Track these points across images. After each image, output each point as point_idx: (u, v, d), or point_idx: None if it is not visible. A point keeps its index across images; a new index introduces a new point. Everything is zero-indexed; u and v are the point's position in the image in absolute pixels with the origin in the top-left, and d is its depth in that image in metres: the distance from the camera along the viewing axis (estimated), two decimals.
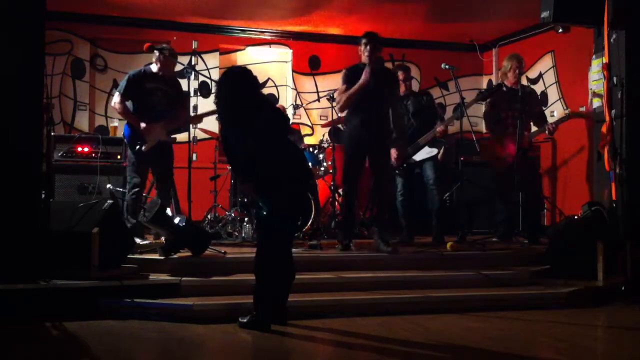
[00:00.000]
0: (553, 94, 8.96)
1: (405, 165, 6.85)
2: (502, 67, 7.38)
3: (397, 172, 6.94)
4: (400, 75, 7.03)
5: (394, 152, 6.84)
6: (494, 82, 9.70)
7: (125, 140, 6.33)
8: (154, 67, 6.37)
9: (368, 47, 6.07)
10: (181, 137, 7.21)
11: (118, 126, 7.73)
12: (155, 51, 6.33)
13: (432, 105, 7.24)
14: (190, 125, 6.86)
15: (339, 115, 7.04)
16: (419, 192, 7.03)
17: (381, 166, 6.17)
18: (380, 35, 6.23)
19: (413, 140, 6.89)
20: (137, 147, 6.17)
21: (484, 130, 7.58)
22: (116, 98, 6.30)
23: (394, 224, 7.81)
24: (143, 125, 6.17)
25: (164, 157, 6.37)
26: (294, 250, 5.84)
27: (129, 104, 6.30)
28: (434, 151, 6.95)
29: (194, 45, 7.53)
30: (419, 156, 6.91)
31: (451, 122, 7.29)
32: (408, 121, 6.95)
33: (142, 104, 6.28)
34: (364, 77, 5.97)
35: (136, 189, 6.17)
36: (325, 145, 7.80)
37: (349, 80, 6.09)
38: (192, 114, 6.89)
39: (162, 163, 6.37)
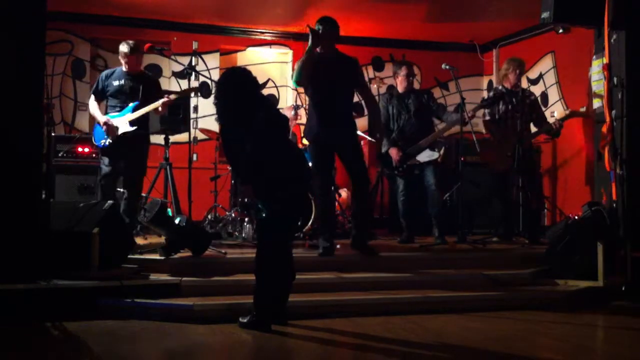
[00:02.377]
0: (553, 95, 8.97)
1: (405, 166, 6.84)
2: (502, 69, 7.39)
3: (396, 172, 6.93)
4: (403, 70, 6.97)
5: (394, 153, 6.81)
6: (494, 83, 9.70)
7: (93, 138, 6.53)
8: (124, 66, 6.54)
9: (321, 37, 5.84)
10: (181, 137, 7.22)
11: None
12: (121, 48, 6.51)
13: (434, 104, 7.20)
14: (191, 126, 6.86)
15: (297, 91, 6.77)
16: (420, 193, 7.02)
17: (352, 161, 5.94)
18: (337, 23, 6.06)
19: (414, 140, 6.88)
20: (103, 141, 6.39)
21: (484, 131, 7.57)
22: (90, 98, 6.63)
23: (394, 224, 7.83)
24: (103, 120, 6.39)
25: (130, 151, 6.46)
26: (294, 250, 5.83)
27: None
28: (435, 155, 6.88)
29: (195, 45, 7.54)
30: (419, 158, 6.87)
31: (478, 110, 7.15)
32: (409, 119, 6.91)
33: (110, 100, 6.54)
34: (310, 44, 5.77)
35: (105, 177, 6.38)
36: None
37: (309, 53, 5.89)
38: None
39: (129, 157, 6.47)
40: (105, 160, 6.42)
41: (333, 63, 5.88)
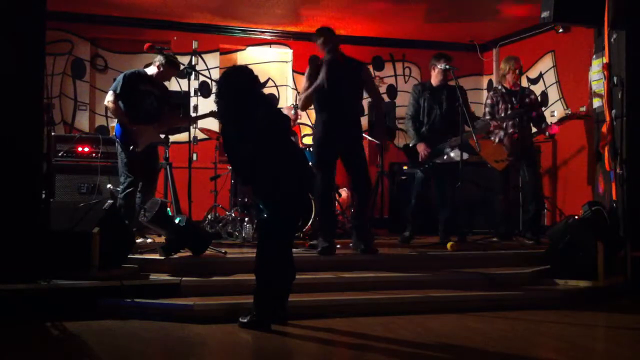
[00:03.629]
0: (553, 94, 8.97)
1: (431, 163, 6.74)
2: (500, 69, 7.39)
3: (421, 168, 6.82)
4: (441, 63, 6.77)
5: (421, 148, 6.74)
6: (494, 83, 9.70)
7: (118, 139, 6.32)
8: (150, 71, 6.38)
9: (324, 46, 5.89)
10: (181, 137, 7.21)
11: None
12: (161, 58, 6.34)
13: (465, 102, 7.14)
14: (191, 126, 6.86)
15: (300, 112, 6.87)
16: (430, 193, 6.98)
17: (354, 164, 6.00)
18: (335, 32, 6.08)
19: (444, 136, 6.77)
20: (131, 147, 6.18)
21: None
22: (110, 97, 6.29)
23: (394, 224, 7.78)
24: (135, 127, 6.18)
25: (151, 158, 6.40)
26: (294, 250, 5.81)
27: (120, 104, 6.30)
28: (465, 156, 6.76)
29: (194, 45, 7.53)
30: (446, 157, 6.75)
31: (506, 120, 7.09)
32: (441, 115, 6.78)
33: (134, 105, 6.27)
34: (320, 77, 5.80)
35: (130, 189, 6.17)
36: None
37: (312, 77, 5.95)
38: (192, 114, 6.93)
39: (148, 164, 6.38)
40: (127, 167, 6.22)
41: (340, 68, 5.91)
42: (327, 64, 5.89)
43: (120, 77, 6.33)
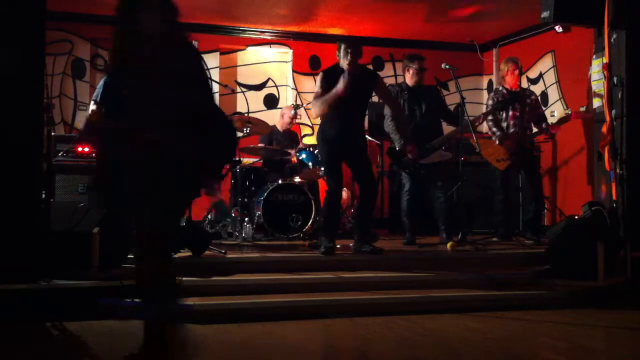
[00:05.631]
0: (553, 94, 8.97)
1: (417, 165, 6.74)
2: (500, 70, 7.40)
3: (407, 171, 6.84)
4: (415, 64, 6.80)
5: (409, 150, 6.73)
6: (494, 83, 9.71)
7: None
8: None
9: (349, 55, 5.86)
10: None
11: None
12: None
13: (442, 101, 7.14)
14: None
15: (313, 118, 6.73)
16: (425, 194, 6.98)
17: (358, 165, 6.04)
18: (361, 42, 6.08)
19: (426, 137, 6.76)
20: None
21: (485, 130, 7.57)
22: (93, 106, 6.26)
23: (394, 224, 7.78)
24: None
25: None
26: (293, 250, 5.80)
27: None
28: (448, 155, 6.79)
29: (194, 45, 7.52)
30: (432, 158, 6.76)
31: (488, 116, 7.13)
32: (422, 116, 6.79)
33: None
34: (341, 85, 5.69)
35: None
36: None
37: (327, 84, 5.87)
38: None
39: None
40: None
41: (355, 80, 5.88)
42: (349, 77, 5.79)
43: (100, 84, 6.33)
